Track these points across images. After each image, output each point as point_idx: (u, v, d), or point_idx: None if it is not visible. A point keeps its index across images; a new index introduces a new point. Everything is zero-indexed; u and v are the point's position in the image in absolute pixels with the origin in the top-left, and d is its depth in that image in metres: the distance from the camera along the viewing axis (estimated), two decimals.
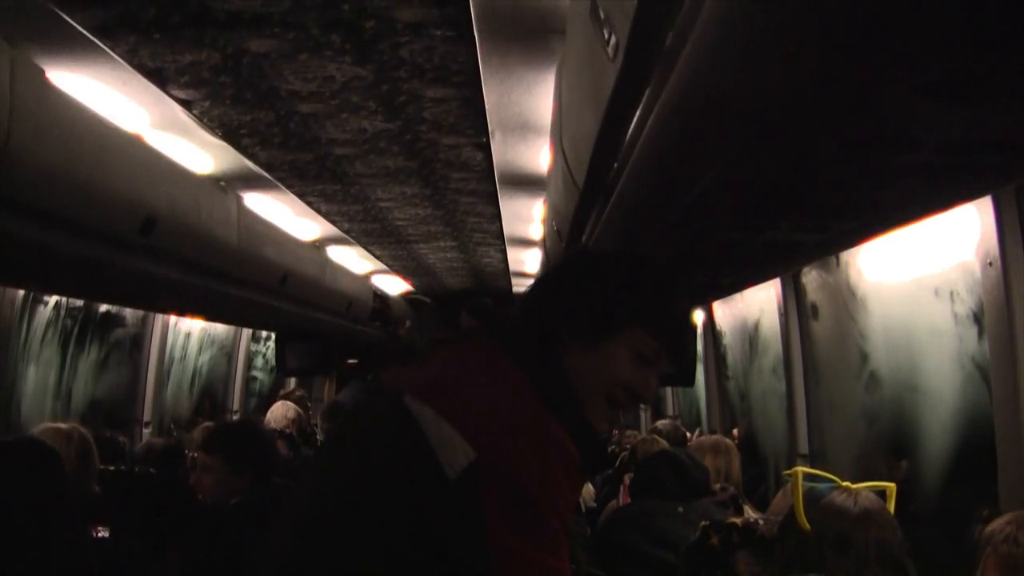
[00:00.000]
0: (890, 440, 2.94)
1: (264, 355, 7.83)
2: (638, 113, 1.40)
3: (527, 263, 6.05)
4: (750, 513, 3.75)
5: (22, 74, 2.24)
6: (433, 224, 4.68)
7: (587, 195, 2.02)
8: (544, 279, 1.73)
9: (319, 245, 5.24)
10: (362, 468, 1.46)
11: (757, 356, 4.46)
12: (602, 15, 1.27)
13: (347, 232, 4.88)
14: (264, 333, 7.59)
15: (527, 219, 4.56)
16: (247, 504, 3.42)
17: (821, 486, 2.34)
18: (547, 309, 1.64)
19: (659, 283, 1.63)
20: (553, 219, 2.92)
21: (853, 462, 3.26)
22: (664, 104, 1.23)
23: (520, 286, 7.40)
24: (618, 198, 1.79)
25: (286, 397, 6.88)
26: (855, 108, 1.12)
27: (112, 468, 4.07)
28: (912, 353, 2.75)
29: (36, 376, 4.34)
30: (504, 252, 5.61)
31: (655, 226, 1.89)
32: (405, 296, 7.98)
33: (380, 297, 7.20)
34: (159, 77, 2.47)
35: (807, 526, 2.25)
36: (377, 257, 5.87)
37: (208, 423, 5.53)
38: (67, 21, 2.11)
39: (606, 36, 1.29)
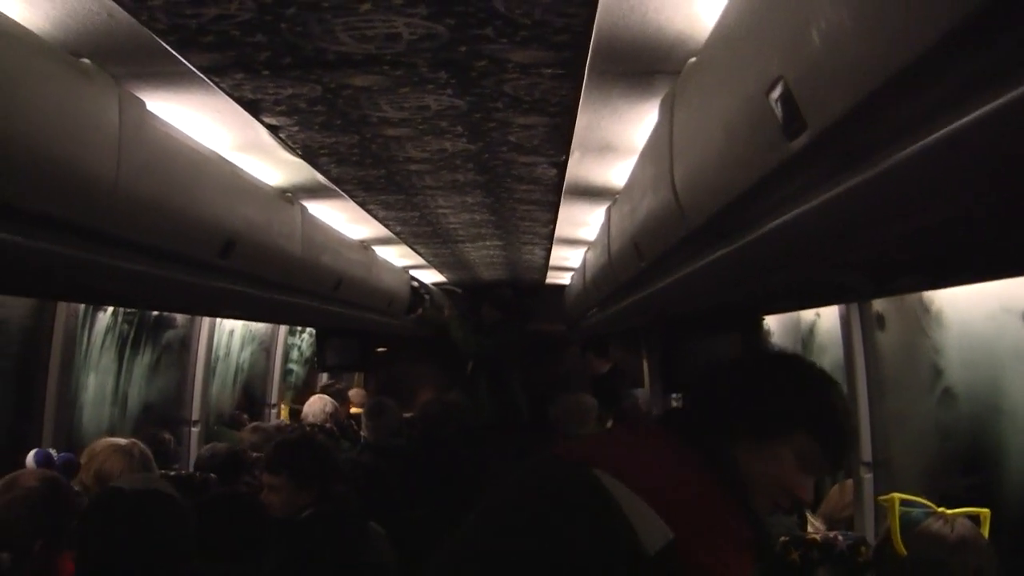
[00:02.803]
0: (967, 456, 2.97)
1: (300, 348, 7.86)
2: (799, 190, 1.41)
3: (570, 260, 6.07)
4: (813, 521, 3.79)
5: (128, 110, 2.25)
6: (484, 227, 4.69)
7: (701, 235, 2.03)
8: (718, 374, 1.79)
9: (366, 245, 5.25)
10: (554, 537, 1.51)
11: (812, 358, 4.47)
12: (782, 92, 1.27)
13: (398, 234, 4.89)
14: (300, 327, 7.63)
15: (580, 223, 4.56)
16: (319, 516, 3.46)
17: (916, 511, 2.37)
18: (722, 403, 1.72)
19: (829, 393, 1.71)
20: (631, 235, 2.93)
21: (922, 474, 3.29)
22: (838, 199, 1.24)
23: (555, 279, 7.40)
24: (743, 248, 1.80)
25: (324, 390, 6.95)
26: None
27: (172, 473, 4.08)
28: (995, 374, 2.77)
29: (95, 383, 4.37)
30: (548, 250, 5.63)
31: (775, 276, 1.91)
32: (437, 287, 8.00)
33: (415, 291, 7.22)
34: (255, 107, 2.48)
35: (903, 551, 2.28)
36: (420, 255, 5.89)
37: (256, 423, 5.57)
38: (170, 55, 2.11)
39: (779, 112, 1.30)
